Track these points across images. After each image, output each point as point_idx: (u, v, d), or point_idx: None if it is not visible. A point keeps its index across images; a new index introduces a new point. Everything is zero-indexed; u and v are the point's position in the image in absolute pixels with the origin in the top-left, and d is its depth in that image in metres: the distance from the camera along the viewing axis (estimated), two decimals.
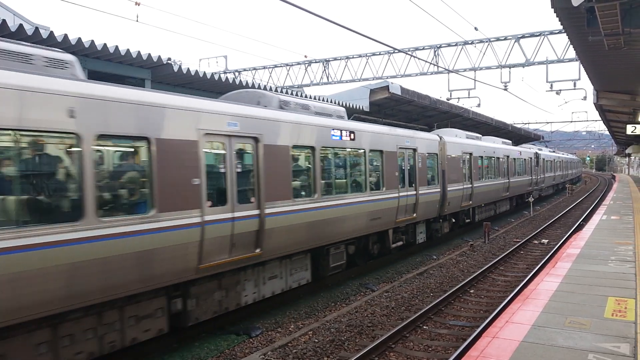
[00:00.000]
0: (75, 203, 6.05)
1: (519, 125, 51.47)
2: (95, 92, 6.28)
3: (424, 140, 15.68)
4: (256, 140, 8.69)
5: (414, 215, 14.60)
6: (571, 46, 12.60)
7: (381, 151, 12.80)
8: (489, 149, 22.41)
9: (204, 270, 7.70)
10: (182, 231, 7.19)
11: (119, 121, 6.49)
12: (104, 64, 11.36)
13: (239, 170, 8.35)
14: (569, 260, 9.91)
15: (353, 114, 20.67)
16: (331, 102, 18.72)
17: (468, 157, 19.53)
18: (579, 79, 22.52)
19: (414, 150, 14.71)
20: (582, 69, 16.00)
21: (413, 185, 14.53)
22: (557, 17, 9.55)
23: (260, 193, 8.68)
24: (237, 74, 30.11)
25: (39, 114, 5.63)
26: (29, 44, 6.55)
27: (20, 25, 9.26)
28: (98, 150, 6.40)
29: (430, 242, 17.01)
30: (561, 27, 10.50)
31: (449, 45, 24.89)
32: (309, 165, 10.31)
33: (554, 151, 50.18)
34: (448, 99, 25.78)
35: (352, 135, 11.50)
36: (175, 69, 12.46)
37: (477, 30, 19.68)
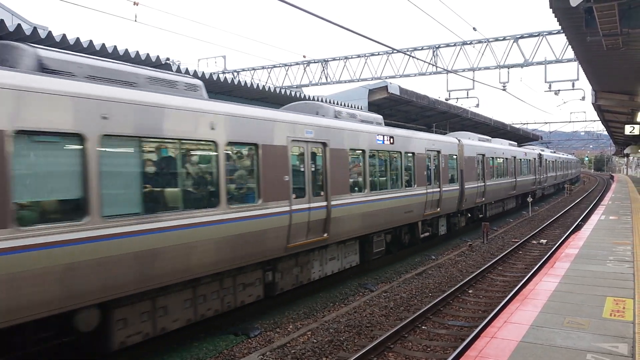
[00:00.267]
0: (214, 194, 7.94)
1: (517, 126, 51.53)
2: (226, 110, 8.27)
3: (446, 143, 17.61)
4: (325, 145, 10.65)
5: (438, 209, 16.50)
6: (570, 46, 12.61)
7: (413, 153, 14.74)
8: (498, 151, 24.27)
9: (290, 249, 9.58)
10: (278, 217, 9.12)
11: (240, 131, 8.47)
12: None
13: (313, 169, 10.32)
14: (567, 260, 9.91)
15: None
16: (330, 102, 18.75)
17: (481, 158, 21.34)
18: (578, 79, 22.53)
19: (438, 152, 16.67)
20: (581, 69, 16.04)
21: (437, 183, 16.43)
22: (555, 17, 9.56)
23: (328, 188, 10.61)
24: (235, 74, 30.08)
25: (195, 127, 7.64)
26: (172, 72, 8.72)
27: (19, 25, 9.25)
28: (227, 153, 8.28)
29: (448, 234, 18.83)
30: (560, 27, 10.51)
31: (447, 45, 24.88)
32: (361, 165, 12.17)
33: (554, 152, 50.41)
34: (447, 99, 25.77)
35: (391, 139, 13.51)
36: (174, 69, 12.44)
37: (475, 30, 19.70)
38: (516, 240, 18.39)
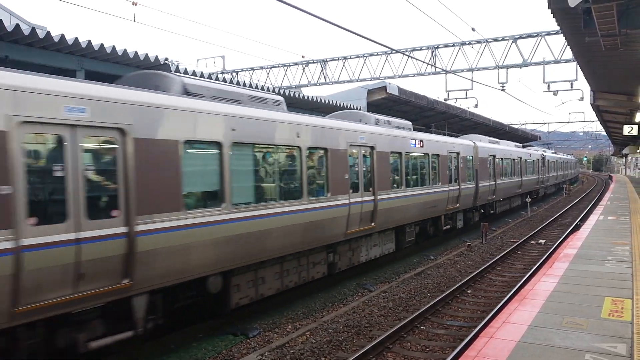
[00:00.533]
0: (299, 189, 9.87)
1: (516, 126, 51.60)
2: (307, 122, 10.28)
3: (464, 146, 19.51)
4: (372, 148, 12.50)
5: (457, 205, 18.48)
6: (568, 47, 12.62)
7: (438, 155, 16.62)
8: (507, 152, 26.07)
9: (348, 235, 11.48)
10: (340, 208, 11.01)
11: (316, 138, 10.41)
12: (102, 65, 11.33)
13: (364, 169, 12.18)
14: (566, 260, 9.92)
15: None
16: (329, 102, 18.81)
17: (492, 159, 23.00)
18: (576, 79, 22.57)
19: (458, 153, 18.51)
20: (579, 69, 16.05)
21: (457, 181, 18.24)
22: (554, 18, 9.56)
23: (375, 184, 12.42)
24: (234, 74, 30.07)
25: (287, 136, 9.57)
26: (264, 91, 10.73)
27: (17, 25, 9.23)
28: (308, 156, 10.13)
29: (465, 228, 20.50)
30: (558, 28, 10.51)
31: (446, 45, 24.90)
32: (398, 165, 14.03)
33: (555, 153, 50.75)
34: (445, 100, 25.79)
35: (421, 143, 15.45)
36: (173, 69, 12.44)
37: (474, 30, 19.72)
38: (515, 240, 18.40)
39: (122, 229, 6.40)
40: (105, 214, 6.33)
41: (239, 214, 8.19)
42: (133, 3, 11.86)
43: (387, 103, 23.91)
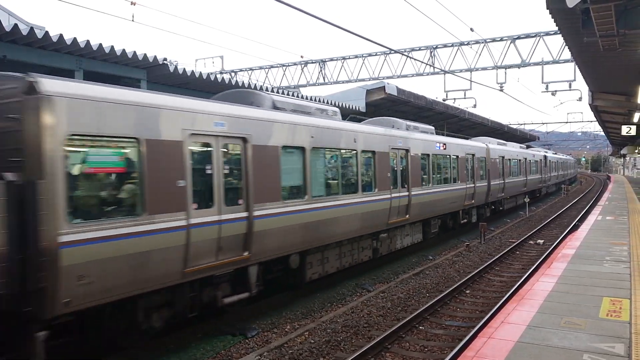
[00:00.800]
0: (355, 185, 11.82)
1: (514, 126, 51.67)
2: (361, 129, 12.37)
3: (478, 148, 21.39)
4: (407, 151, 14.48)
5: (472, 201, 20.38)
6: (566, 47, 12.63)
7: (457, 156, 18.65)
8: (513, 153, 27.77)
9: (389, 225, 13.44)
10: (384, 201, 12.96)
11: (367, 143, 12.32)
12: (100, 65, 11.32)
13: (401, 168, 14.12)
14: (564, 260, 9.94)
15: (349, 114, 20.70)
16: (328, 102, 18.77)
17: (501, 159, 24.57)
18: (575, 80, 22.61)
19: (473, 155, 20.42)
20: (578, 70, 16.06)
21: (472, 180, 20.08)
22: (552, 18, 9.57)
23: (409, 181, 14.36)
24: (233, 74, 30.05)
25: (348, 141, 11.59)
26: (325, 104, 13.99)
27: (15, 25, 9.22)
28: (362, 158, 12.12)
29: (478, 221, 21.19)
30: (556, 28, 10.53)
31: (445, 46, 24.92)
32: (426, 166, 15.89)
33: (555, 153, 51.04)
34: (444, 100, 25.82)
35: (444, 145, 17.49)
36: (171, 69, 12.44)
37: (472, 31, 19.76)
38: (513, 240, 18.41)
39: (244, 214, 8.40)
40: (235, 202, 8.27)
41: (316, 204, 10.26)
42: (132, 3, 11.84)
43: (386, 103, 23.93)
